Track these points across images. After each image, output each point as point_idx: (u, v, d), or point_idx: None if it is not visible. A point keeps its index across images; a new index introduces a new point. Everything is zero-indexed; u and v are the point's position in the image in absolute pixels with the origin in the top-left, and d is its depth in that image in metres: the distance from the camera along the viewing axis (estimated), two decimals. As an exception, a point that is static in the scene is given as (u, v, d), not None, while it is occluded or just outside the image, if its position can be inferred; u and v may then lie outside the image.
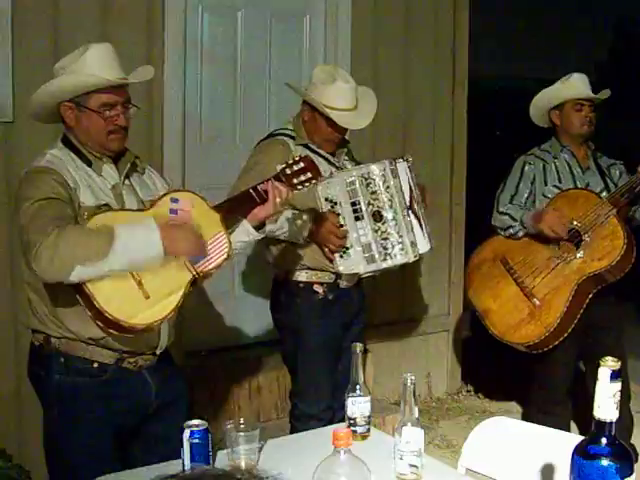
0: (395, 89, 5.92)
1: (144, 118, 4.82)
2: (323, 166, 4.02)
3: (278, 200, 3.13)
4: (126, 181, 3.08)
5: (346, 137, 4.25)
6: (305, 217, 3.96)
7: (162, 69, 4.88)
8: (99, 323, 2.79)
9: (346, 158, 4.27)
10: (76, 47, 4.40)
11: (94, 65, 2.94)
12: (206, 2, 5.24)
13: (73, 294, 2.80)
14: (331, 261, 4.01)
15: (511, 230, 4.64)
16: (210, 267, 2.93)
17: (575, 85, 4.66)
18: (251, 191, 3.13)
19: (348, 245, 3.97)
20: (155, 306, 2.81)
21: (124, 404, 3.04)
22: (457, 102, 6.33)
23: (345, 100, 3.99)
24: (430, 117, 6.18)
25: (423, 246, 4.04)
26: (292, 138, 4.08)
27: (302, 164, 3.24)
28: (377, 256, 3.94)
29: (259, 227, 3.21)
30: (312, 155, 4.01)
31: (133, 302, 2.78)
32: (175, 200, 2.97)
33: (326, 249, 3.99)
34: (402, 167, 3.99)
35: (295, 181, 3.22)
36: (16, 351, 4.46)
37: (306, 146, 4.05)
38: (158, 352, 3.11)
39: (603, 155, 4.80)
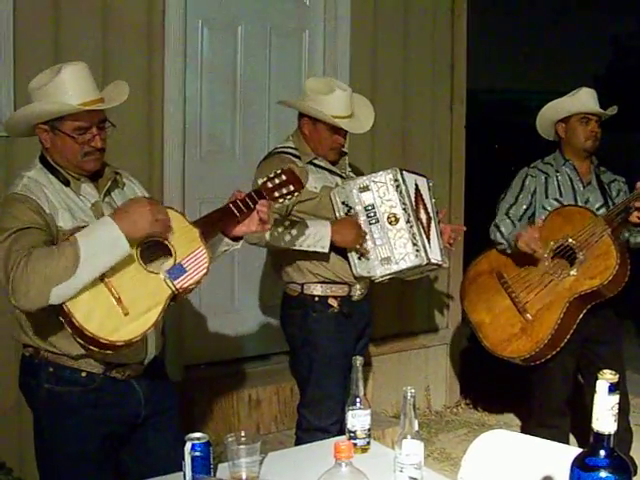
0: (394, 103, 5.95)
1: (144, 132, 4.86)
2: (331, 178, 4.15)
3: (261, 216, 3.13)
4: (106, 198, 3.06)
5: (345, 151, 4.31)
6: (325, 223, 4.00)
7: (162, 83, 4.90)
8: (79, 341, 2.79)
9: (349, 169, 4.33)
10: (76, 61, 4.45)
11: (68, 89, 2.91)
12: (206, 17, 5.27)
13: (54, 313, 2.78)
14: (359, 256, 4.05)
15: (500, 246, 4.70)
16: (189, 282, 2.88)
17: (583, 99, 4.66)
18: (231, 206, 3.09)
19: (365, 249, 4.03)
20: (134, 322, 2.79)
21: (113, 412, 3.04)
22: (455, 116, 6.36)
23: (345, 107, 4.06)
24: (429, 131, 6.20)
25: (436, 254, 4.09)
26: (297, 157, 4.11)
27: (284, 177, 3.21)
28: (392, 258, 4.00)
29: (237, 239, 3.22)
30: (319, 171, 4.06)
31: (112, 319, 2.76)
32: None
33: (358, 246, 4.03)
34: (412, 178, 4.11)
35: (277, 194, 3.19)
36: (17, 365, 4.47)
37: (311, 163, 4.09)
38: (145, 363, 3.10)
39: (607, 171, 4.82)
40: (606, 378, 1.78)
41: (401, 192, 4.00)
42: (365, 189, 4.01)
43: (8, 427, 4.40)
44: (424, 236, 4.03)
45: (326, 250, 3.99)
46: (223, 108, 5.43)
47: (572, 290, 4.47)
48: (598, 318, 4.54)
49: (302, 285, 4.15)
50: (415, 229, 3.99)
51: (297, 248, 3.97)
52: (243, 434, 2.66)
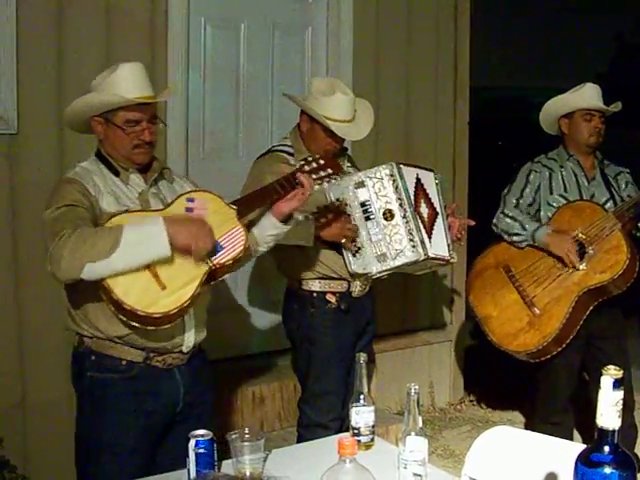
0: (396, 100, 5.95)
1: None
2: None
3: (301, 194, 3.24)
4: (152, 188, 3.19)
5: (347, 147, 4.32)
6: (310, 217, 4.00)
7: (165, 81, 4.90)
8: (120, 316, 2.89)
9: (348, 165, 4.33)
10: (80, 60, 4.48)
11: (121, 84, 3.08)
12: (209, 15, 5.27)
13: (97, 292, 2.90)
14: (354, 253, 4.05)
15: (516, 238, 4.65)
16: (226, 259, 3.00)
17: (586, 95, 4.65)
18: (273, 185, 3.24)
19: (360, 245, 4.04)
20: (171, 296, 2.89)
21: (152, 402, 3.11)
22: (459, 113, 6.35)
23: (344, 112, 4.05)
24: (432, 128, 6.20)
25: (431, 247, 4.06)
26: (291, 155, 4.12)
27: (322, 161, 3.35)
28: (389, 254, 3.99)
29: (286, 220, 3.32)
30: None
31: (150, 293, 2.87)
32: (191, 199, 3.09)
33: (344, 241, 4.03)
34: (412, 172, 4.08)
35: (315, 176, 3.32)
36: (20, 363, 4.48)
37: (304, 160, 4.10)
38: (185, 350, 3.16)
39: (610, 163, 4.80)
40: (610, 374, 1.78)
41: (397, 187, 3.97)
42: (361, 185, 4.01)
43: (12, 425, 4.41)
44: (423, 231, 4.00)
45: (310, 244, 3.99)
46: (226, 106, 5.44)
47: (581, 284, 4.47)
48: (603, 315, 4.53)
49: (300, 281, 4.17)
50: (412, 224, 3.96)
51: (283, 243, 3.98)
52: (247, 431, 2.67)
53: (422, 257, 3.99)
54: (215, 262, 2.98)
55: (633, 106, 6.93)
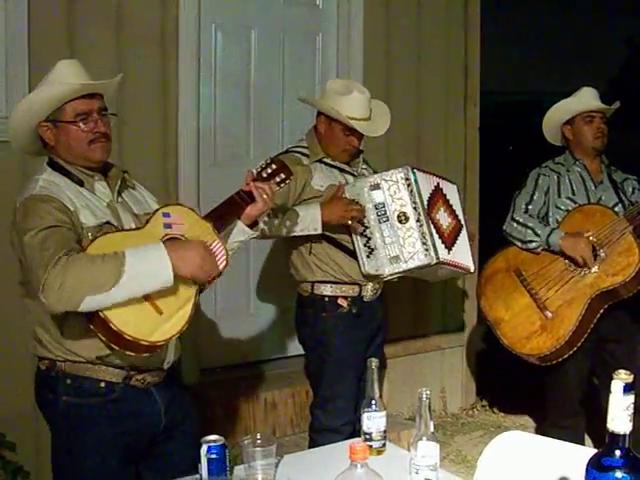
0: (407, 106, 5.95)
1: (159, 137, 4.88)
2: (340, 177, 4.19)
3: (265, 196, 3.18)
4: (119, 198, 3.05)
5: (362, 149, 4.35)
6: (315, 204, 4.04)
7: (176, 88, 4.93)
8: (114, 347, 2.76)
9: (364, 167, 4.37)
10: (91, 67, 4.46)
11: (62, 75, 2.93)
12: (219, 21, 5.29)
13: (80, 320, 2.76)
14: (368, 254, 4.07)
15: (531, 245, 4.64)
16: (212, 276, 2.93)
17: (584, 98, 4.69)
18: (235, 196, 3.18)
19: (373, 246, 4.06)
20: (170, 320, 2.79)
21: (133, 424, 2.98)
22: (469, 118, 6.36)
23: (362, 110, 4.10)
24: (442, 133, 6.21)
25: (443, 253, 4.08)
26: (305, 156, 4.14)
27: (274, 166, 3.31)
28: (401, 257, 4.02)
29: (253, 225, 3.26)
30: (327, 168, 4.09)
31: (148, 320, 2.75)
32: (167, 214, 2.97)
33: (350, 222, 4.05)
34: (429, 179, 4.14)
35: (272, 182, 3.28)
36: (34, 368, 4.49)
37: (320, 161, 4.12)
38: (165, 367, 3.06)
39: (617, 170, 4.81)
40: (621, 378, 1.78)
41: (412, 191, 4.01)
42: (376, 187, 4.05)
43: (25, 431, 4.41)
44: (436, 236, 4.03)
45: (319, 231, 4.02)
46: (237, 113, 5.45)
47: (594, 287, 4.47)
48: (613, 318, 4.53)
49: (312, 285, 4.19)
50: (425, 228, 4.00)
51: (293, 234, 3.99)
52: (259, 436, 2.67)
53: (434, 261, 4.01)
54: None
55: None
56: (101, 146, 2.95)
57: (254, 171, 3.27)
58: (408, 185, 4.02)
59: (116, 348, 2.76)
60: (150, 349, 2.79)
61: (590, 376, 4.79)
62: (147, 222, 2.94)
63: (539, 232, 4.60)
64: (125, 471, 3.02)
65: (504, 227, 4.73)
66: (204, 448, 2.53)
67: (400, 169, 4.07)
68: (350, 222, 4.05)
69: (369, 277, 4.15)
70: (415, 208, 4.01)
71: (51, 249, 2.66)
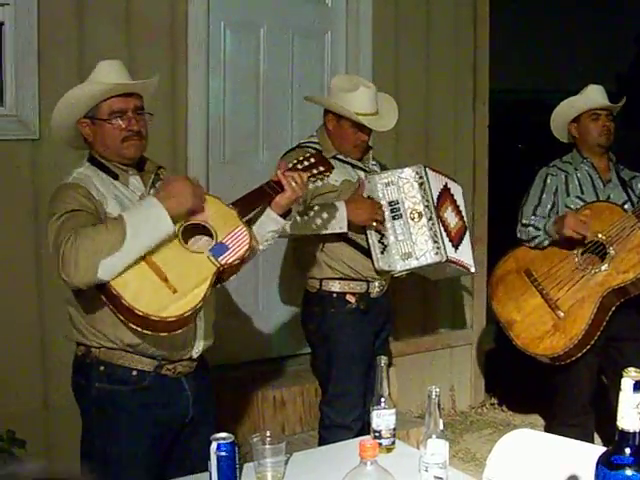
0: (416, 104, 5.95)
1: (168, 135, 4.89)
2: (353, 172, 4.19)
3: (294, 184, 3.20)
4: (152, 191, 3.13)
5: (371, 145, 4.37)
6: (338, 204, 4.03)
7: (186, 86, 4.93)
8: (131, 325, 2.83)
9: (373, 163, 4.37)
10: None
11: (101, 75, 3.08)
12: (229, 19, 5.29)
13: (104, 304, 2.85)
14: (382, 250, 4.08)
15: (536, 240, 4.65)
16: (233, 258, 2.96)
17: (590, 96, 4.69)
18: (264, 185, 3.22)
19: (387, 243, 4.08)
20: (183, 298, 2.84)
21: (162, 412, 3.07)
22: (478, 116, 6.35)
23: (369, 105, 4.11)
24: (451, 131, 6.20)
25: (450, 252, 4.11)
26: (319, 152, 4.15)
27: (313, 159, 3.36)
28: (413, 254, 4.05)
29: (285, 215, 3.29)
30: (342, 165, 4.10)
31: (161, 297, 2.82)
32: None
33: (374, 223, 4.07)
34: (438, 178, 4.16)
35: (308, 174, 3.32)
36: (43, 366, 4.51)
37: (334, 157, 4.12)
38: (195, 355, 3.13)
39: (625, 168, 4.80)
40: (631, 376, 1.78)
41: (424, 190, 4.05)
42: (390, 184, 4.07)
43: (35, 428, 4.42)
44: (444, 234, 4.06)
45: (345, 230, 4.02)
46: (246, 110, 5.45)
47: (605, 285, 4.46)
48: (622, 317, 4.52)
49: (321, 281, 4.20)
50: (436, 227, 4.04)
51: (318, 233, 3.99)
52: (269, 434, 2.67)
53: (444, 259, 4.06)
54: (223, 262, 2.94)
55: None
56: (133, 144, 3.08)
57: (290, 165, 3.30)
58: (421, 184, 4.05)
59: (133, 326, 2.83)
60: (164, 326, 2.83)
61: (599, 373, 4.78)
62: None
63: (539, 226, 4.61)
64: (152, 461, 3.09)
65: (517, 234, 4.74)
66: (214, 446, 2.54)
67: (414, 167, 4.10)
68: (373, 224, 4.07)
69: (381, 273, 4.16)
70: (427, 206, 4.03)
71: (68, 230, 2.79)
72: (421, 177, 4.05)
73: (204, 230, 2.99)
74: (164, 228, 2.84)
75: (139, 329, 2.84)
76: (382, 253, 4.10)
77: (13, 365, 4.43)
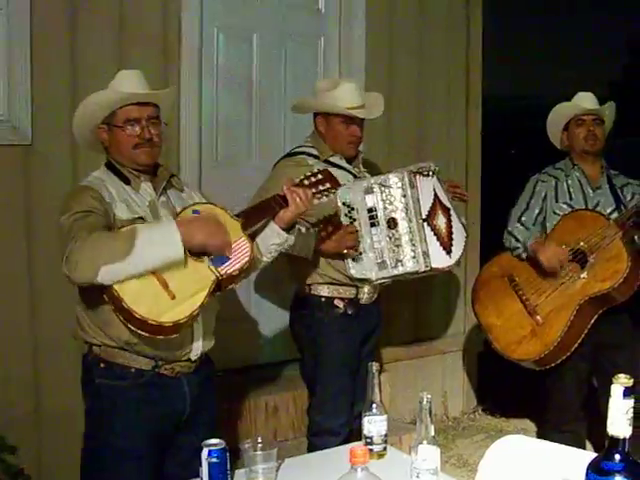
0: (409, 109, 5.96)
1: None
2: (343, 177, 4.12)
3: (298, 200, 3.29)
4: (162, 197, 3.24)
5: (361, 150, 4.37)
6: (312, 230, 4.05)
7: (178, 90, 4.92)
8: (130, 326, 2.90)
9: (364, 169, 4.36)
10: (92, 70, 4.50)
11: (118, 83, 3.21)
12: (222, 24, 5.30)
13: (107, 303, 2.93)
14: (355, 259, 4.05)
15: (515, 252, 4.73)
16: (233, 269, 3.04)
17: (576, 102, 4.75)
18: (270, 199, 3.32)
19: (361, 250, 4.03)
20: (181, 305, 2.92)
21: (159, 410, 3.13)
22: (471, 122, 6.36)
23: (354, 98, 4.16)
24: (444, 137, 6.21)
25: (438, 260, 4.03)
26: (313, 156, 4.18)
27: (320, 176, 3.43)
28: (389, 262, 3.98)
29: (289, 229, 3.37)
30: (333, 168, 4.08)
31: (160, 302, 2.89)
32: (196, 212, 3.14)
33: (345, 251, 4.03)
34: (429, 182, 4.04)
35: (314, 190, 3.39)
36: (35, 372, 4.50)
37: (326, 161, 4.12)
38: (194, 357, 3.19)
39: (619, 174, 4.82)
40: (621, 382, 1.79)
41: (405, 196, 3.92)
42: (369, 191, 3.97)
43: (26, 434, 4.41)
44: (429, 242, 3.95)
45: (310, 256, 4.05)
46: (239, 115, 5.46)
47: (582, 293, 4.48)
48: (612, 323, 4.53)
49: (310, 286, 4.20)
50: (416, 235, 3.92)
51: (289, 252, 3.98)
52: (260, 440, 2.68)
53: (423, 268, 3.96)
54: (222, 272, 3.02)
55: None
56: (145, 151, 3.18)
57: (296, 180, 3.38)
58: (402, 191, 3.93)
59: (131, 327, 2.91)
60: (161, 330, 2.90)
61: (590, 380, 4.79)
62: (176, 217, 3.12)
63: (520, 238, 4.65)
64: (150, 457, 3.15)
65: (504, 240, 4.78)
66: (205, 452, 2.55)
67: (395, 174, 3.98)
68: (345, 251, 4.04)
69: (357, 280, 4.13)
70: (407, 214, 3.93)
71: (79, 228, 2.89)
72: (402, 184, 3.93)
73: None
74: (172, 251, 2.90)
75: (137, 331, 2.91)
76: (354, 260, 4.05)
77: (4, 371, 4.41)
